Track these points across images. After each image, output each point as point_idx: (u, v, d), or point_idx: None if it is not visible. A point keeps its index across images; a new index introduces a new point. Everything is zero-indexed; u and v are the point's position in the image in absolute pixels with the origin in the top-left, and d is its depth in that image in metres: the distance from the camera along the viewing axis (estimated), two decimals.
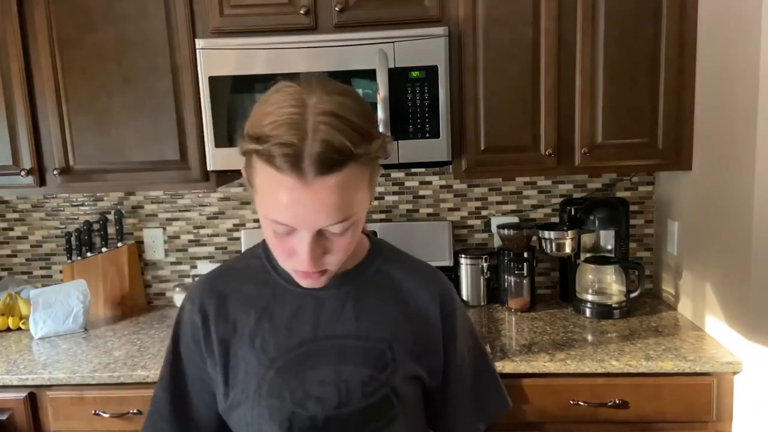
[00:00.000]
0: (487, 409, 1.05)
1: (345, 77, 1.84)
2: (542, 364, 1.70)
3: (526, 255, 2.17)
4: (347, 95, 0.81)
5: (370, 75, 1.80)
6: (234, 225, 2.40)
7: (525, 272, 2.15)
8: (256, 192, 0.81)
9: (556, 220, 2.31)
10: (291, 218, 0.77)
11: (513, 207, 2.34)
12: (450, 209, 2.35)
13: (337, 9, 1.87)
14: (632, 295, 2.07)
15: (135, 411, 1.78)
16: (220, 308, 0.94)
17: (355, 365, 0.90)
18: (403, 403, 0.92)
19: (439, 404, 1.01)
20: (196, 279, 0.93)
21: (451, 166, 1.98)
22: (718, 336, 1.81)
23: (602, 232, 2.15)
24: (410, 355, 0.94)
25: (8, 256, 2.47)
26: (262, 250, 0.99)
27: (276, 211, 0.78)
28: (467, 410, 1.02)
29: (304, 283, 0.88)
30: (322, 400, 0.88)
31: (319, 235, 0.80)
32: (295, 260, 0.83)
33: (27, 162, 2.01)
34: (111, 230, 2.37)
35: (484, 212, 2.35)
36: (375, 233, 1.05)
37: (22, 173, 2.01)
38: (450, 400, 1.01)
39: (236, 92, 1.87)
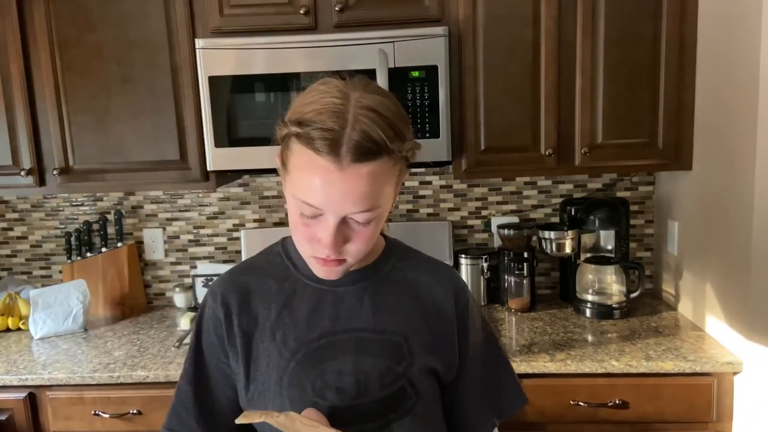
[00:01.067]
0: (501, 403, 1.06)
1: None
2: (542, 364, 1.70)
3: (526, 255, 2.17)
4: (387, 97, 0.85)
5: (370, 75, 1.80)
6: (234, 225, 2.40)
7: (525, 272, 2.15)
8: (288, 174, 0.85)
9: (556, 220, 2.31)
10: (321, 200, 0.81)
11: (513, 207, 2.34)
12: (450, 209, 2.35)
13: (337, 9, 1.87)
14: (632, 295, 2.07)
15: (135, 411, 1.78)
16: (243, 302, 0.97)
17: (372, 357, 0.93)
18: (419, 395, 0.94)
19: (452, 398, 1.02)
20: (197, 277, 0.93)
21: (451, 166, 1.98)
22: (719, 336, 1.81)
23: (602, 232, 2.15)
24: (426, 348, 0.96)
25: (8, 256, 2.47)
26: (281, 247, 1.02)
27: (308, 192, 0.81)
28: (480, 404, 1.04)
29: (321, 272, 0.90)
30: (341, 390, 0.91)
31: (343, 223, 0.84)
32: (315, 246, 0.86)
33: (27, 162, 2.01)
34: (111, 230, 2.37)
35: (484, 212, 2.35)
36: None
37: (22, 173, 2.01)
38: (462, 394, 1.02)
39: (236, 92, 1.87)
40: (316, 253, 0.87)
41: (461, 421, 1.04)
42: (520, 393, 1.08)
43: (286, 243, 1.02)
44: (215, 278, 1.03)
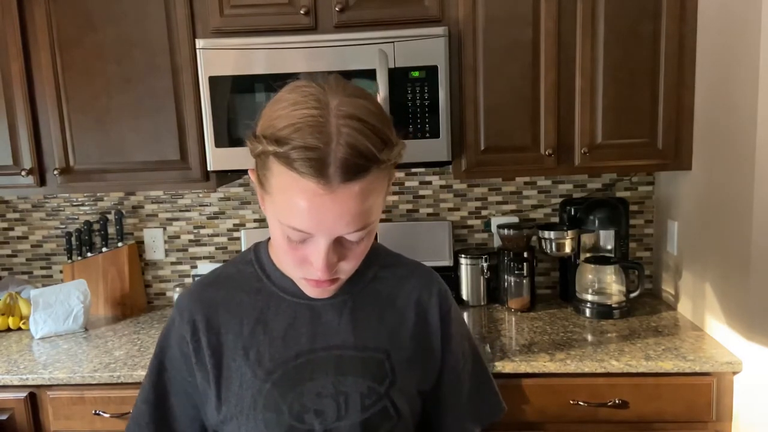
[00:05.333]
0: (483, 412, 1.04)
1: (345, 77, 1.83)
2: (542, 364, 1.70)
3: (526, 255, 2.17)
4: (367, 98, 0.77)
5: (370, 75, 1.80)
6: (234, 225, 2.40)
7: (525, 272, 2.15)
8: (270, 195, 0.77)
9: (556, 220, 2.31)
10: (310, 225, 0.74)
11: (513, 207, 2.34)
12: (450, 209, 2.35)
13: (337, 9, 1.87)
14: (632, 295, 2.07)
15: None
16: (211, 319, 0.90)
17: (353, 376, 0.88)
18: (400, 415, 0.91)
19: (434, 407, 0.99)
20: (183, 288, 0.90)
21: (451, 166, 1.98)
22: (718, 336, 1.81)
23: (602, 232, 2.15)
24: (408, 363, 0.92)
25: (8, 256, 2.47)
26: (253, 255, 0.96)
27: (294, 217, 0.74)
28: (464, 413, 1.01)
29: (313, 292, 0.85)
30: (321, 413, 0.86)
31: (335, 243, 0.77)
32: (307, 268, 0.80)
33: (27, 162, 2.01)
34: (111, 230, 2.37)
35: (484, 212, 2.35)
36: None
37: (23, 173, 2.01)
38: (445, 404, 1.00)
39: (236, 92, 1.87)
40: (308, 275, 0.81)
41: (443, 429, 1.01)
42: (499, 401, 1.06)
43: (259, 251, 0.96)
44: (185, 288, 0.98)
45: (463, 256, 2.24)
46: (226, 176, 2.13)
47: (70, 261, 2.36)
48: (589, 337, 1.88)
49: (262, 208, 0.83)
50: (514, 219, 2.33)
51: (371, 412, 0.88)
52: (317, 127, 0.71)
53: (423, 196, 2.35)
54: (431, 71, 1.83)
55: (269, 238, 0.95)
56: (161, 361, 0.93)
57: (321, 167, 0.70)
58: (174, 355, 0.92)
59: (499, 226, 2.24)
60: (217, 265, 2.41)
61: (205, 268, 2.36)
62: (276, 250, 0.84)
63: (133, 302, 2.35)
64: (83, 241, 2.35)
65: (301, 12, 1.88)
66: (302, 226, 0.74)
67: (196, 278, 2.29)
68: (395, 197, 2.35)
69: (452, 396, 1.00)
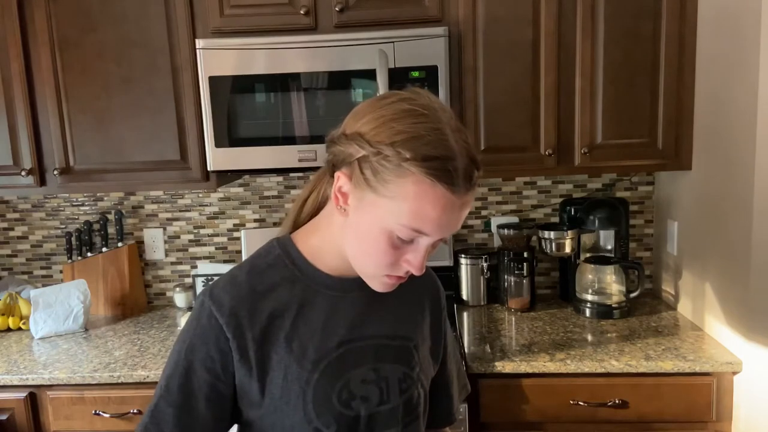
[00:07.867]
0: (464, 385, 1.16)
1: (345, 77, 1.84)
2: (542, 364, 1.70)
3: (526, 255, 2.17)
4: (450, 110, 0.84)
5: (370, 75, 1.80)
6: (234, 225, 2.40)
7: (525, 272, 2.15)
8: (386, 198, 0.79)
9: (556, 220, 2.31)
10: (433, 228, 0.80)
11: (513, 207, 2.34)
12: None
13: (337, 9, 1.87)
14: (632, 295, 2.07)
15: (135, 411, 1.78)
16: (254, 312, 0.89)
17: (390, 363, 0.94)
18: (425, 398, 0.99)
19: (436, 386, 1.06)
20: (211, 285, 0.87)
21: None
22: (718, 336, 1.81)
23: (602, 232, 2.15)
24: (428, 351, 1.01)
25: (8, 256, 2.47)
26: (280, 251, 0.94)
27: (421, 220, 0.79)
28: (453, 391, 1.12)
29: (384, 287, 0.89)
30: (366, 399, 0.91)
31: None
32: (399, 266, 0.85)
33: (27, 162, 2.01)
34: (111, 230, 2.37)
35: (484, 212, 2.35)
36: None
37: (23, 173, 2.01)
38: (445, 382, 1.09)
39: (236, 92, 1.87)
40: (395, 272, 0.85)
41: (444, 405, 1.10)
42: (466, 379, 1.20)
43: (285, 247, 0.94)
44: (213, 284, 0.92)
45: (463, 256, 2.24)
46: (226, 176, 2.13)
47: (70, 261, 2.36)
48: (589, 337, 1.88)
49: (339, 206, 0.85)
50: (514, 219, 2.33)
51: (406, 396, 0.95)
52: (444, 140, 0.78)
53: None
54: (431, 71, 1.83)
55: (288, 235, 0.96)
56: (191, 362, 0.89)
57: (454, 177, 0.78)
58: (209, 354, 0.88)
59: (499, 226, 2.24)
60: (217, 265, 2.42)
61: (204, 268, 2.36)
62: (365, 253, 0.85)
63: (133, 302, 2.35)
64: (83, 241, 2.35)
65: (301, 12, 1.88)
66: (427, 228, 0.80)
67: (197, 278, 2.29)
68: None
69: (444, 375, 1.09)
